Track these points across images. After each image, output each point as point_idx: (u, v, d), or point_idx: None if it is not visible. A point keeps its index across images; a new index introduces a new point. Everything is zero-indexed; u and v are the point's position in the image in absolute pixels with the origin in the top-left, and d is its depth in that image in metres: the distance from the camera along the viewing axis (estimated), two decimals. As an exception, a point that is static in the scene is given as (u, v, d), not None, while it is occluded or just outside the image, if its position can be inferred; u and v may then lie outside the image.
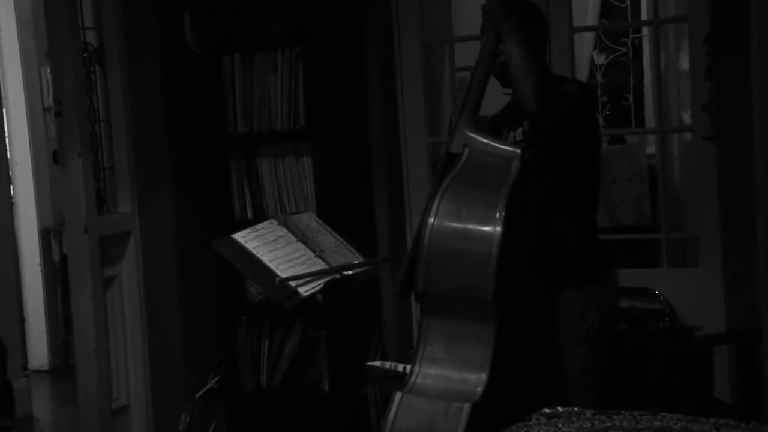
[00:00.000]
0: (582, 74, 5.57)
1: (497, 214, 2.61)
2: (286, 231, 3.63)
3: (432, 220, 2.65)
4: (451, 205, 2.67)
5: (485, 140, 2.81)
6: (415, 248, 2.78)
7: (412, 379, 2.68)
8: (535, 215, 2.87)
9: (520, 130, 3.09)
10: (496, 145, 2.81)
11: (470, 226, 2.64)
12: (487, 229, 2.61)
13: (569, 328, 3.02)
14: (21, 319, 5.95)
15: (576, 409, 2.25)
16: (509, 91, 3.18)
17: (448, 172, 2.77)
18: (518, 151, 2.75)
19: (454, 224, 2.65)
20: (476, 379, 2.62)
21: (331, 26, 4.19)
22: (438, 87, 4.97)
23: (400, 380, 2.76)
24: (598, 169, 3.16)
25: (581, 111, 3.10)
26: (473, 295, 2.62)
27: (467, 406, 2.58)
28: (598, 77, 6.35)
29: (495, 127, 3.23)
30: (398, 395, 2.66)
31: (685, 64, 4.84)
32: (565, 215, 3.02)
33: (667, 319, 3.87)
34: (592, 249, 3.13)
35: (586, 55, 5.85)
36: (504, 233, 2.59)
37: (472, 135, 2.80)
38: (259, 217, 4.08)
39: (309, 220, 3.79)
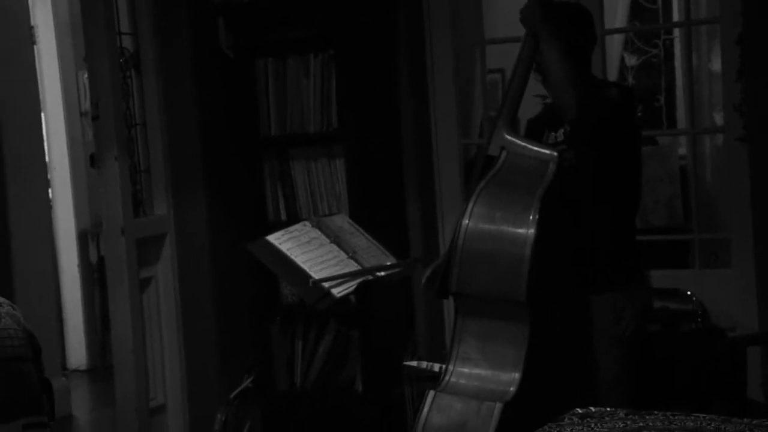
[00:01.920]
0: (612, 76, 5.57)
1: (531, 217, 2.63)
2: (319, 233, 3.66)
3: (466, 221, 2.68)
4: (485, 207, 2.69)
5: (523, 143, 2.83)
6: (451, 249, 2.81)
7: (446, 378, 2.71)
8: (571, 217, 2.88)
9: (561, 131, 3.10)
10: (534, 147, 2.82)
11: (504, 228, 2.66)
12: (520, 231, 2.63)
13: (604, 331, 3.02)
14: (59, 320, 6.02)
15: (609, 409, 2.26)
16: (544, 93, 3.19)
17: (485, 174, 2.79)
18: (555, 154, 2.76)
19: (487, 226, 2.68)
20: (509, 379, 2.64)
21: (363, 29, 4.22)
22: (469, 89, 5.00)
23: (436, 380, 2.79)
24: (639, 172, 3.16)
25: (621, 115, 3.10)
26: (506, 296, 2.65)
27: (499, 406, 2.60)
28: (629, 79, 6.33)
29: (534, 130, 3.23)
30: (431, 394, 2.69)
31: (717, 65, 4.82)
32: (602, 217, 3.02)
33: (699, 320, 3.86)
34: (628, 252, 3.13)
35: (615, 57, 5.85)
36: (538, 235, 2.61)
37: (509, 138, 2.82)
38: (293, 219, 4.12)
39: (342, 221, 3.83)
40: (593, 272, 3.00)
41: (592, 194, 2.99)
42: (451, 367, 2.72)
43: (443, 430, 2.65)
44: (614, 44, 5.81)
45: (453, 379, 2.70)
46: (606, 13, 4.29)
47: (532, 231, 2.62)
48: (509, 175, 2.76)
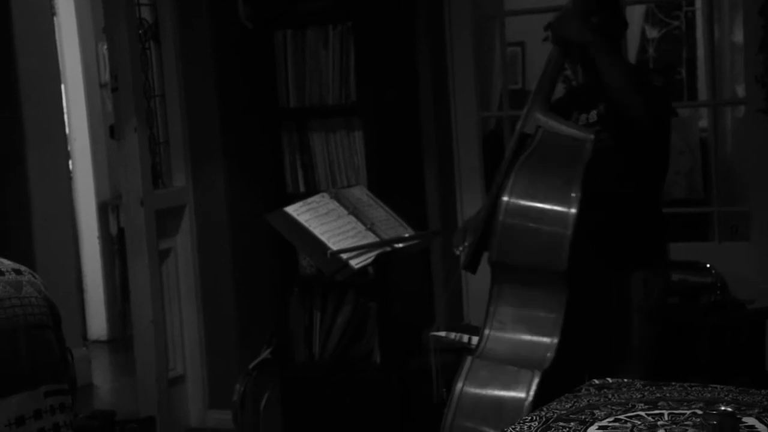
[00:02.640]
0: (632, 48, 5.53)
1: (573, 194, 2.64)
2: (338, 204, 3.66)
3: (506, 198, 2.68)
4: (525, 183, 2.70)
5: (559, 123, 2.82)
6: (485, 224, 2.81)
7: (482, 343, 2.71)
8: (602, 195, 2.87)
9: (594, 112, 3.07)
10: (570, 128, 2.82)
11: (545, 206, 2.67)
12: (562, 208, 2.64)
13: (633, 306, 3.02)
14: (80, 291, 6.07)
15: (625, 380, 2.26)
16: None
17: (521, 152, 2.79)
18: (591, 135, 2.76)
19: (529, 203, 2.68)
20: (547, 344, 2.65)
21: (382, 0, 4.21)
22: (488, 61, 4.97)
23: (464, 351, 2.80)
24: (668, 151, 3.15)
25: (669, 102, 3.12)
26: (546, 266, 2.66)
27: (537, 373, 2.61)
28: (650, 51, 6.28)
29: (559, 112, 3.21)
30: (468, 360, 2.70)
31: (739, 36, 4.78)
32: (632, 196, 3.02)
33: (718, 292, 3.86)
34: (657, 230, 3.13)
35: (636, 29, 5.80)
36: (580, 213, 2.62)
37: (545, 117, 2.82)
38: (311, 190, 4.12)
39: (360, 193, 3.83)
40: (624, 249, 2.99)
41: (623, 173, 2.98)
42: (487, 332, 2.72)
43: (481, 397, 2.65)
44: (635, 16, 5.77)
45: (490, 345, 2.70)
46: (627, -16, 4.26)
47: (574, 209, 2.63)
48: (547, 152, 2.77)
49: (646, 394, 2.12)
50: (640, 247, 3.04)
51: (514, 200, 2.68)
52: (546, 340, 2.66)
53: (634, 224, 3.01)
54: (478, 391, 2.67)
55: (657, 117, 2.91)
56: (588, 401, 2.09)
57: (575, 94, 3.28)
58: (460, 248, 3.06)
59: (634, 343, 3.00)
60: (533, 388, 2.60)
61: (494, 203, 2.78)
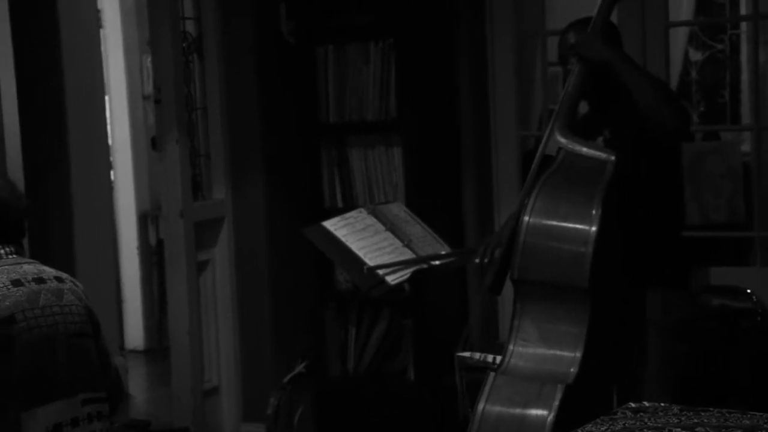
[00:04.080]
0: (675, 70, 5.50)
1: (593, 212, 2.65)
2: (375, 220, 3.67)
3: (527, 218, 2.70)
4: (546, 203, 2.71)
5: (580, 144, 2.84)
6: (508, 247, 2.82)
7: (507, 359, 2.71)
8: (622, 216, 2.88)
9: (600, 139, 3.10)
10: (591, 149, 2.83)
11: (566, 225, 2.68)
12: (583, 227, 2.66)
13: (651, 323, 3.02)
14: (118, 301, 6.11)
15: (662, 404, 2.24)
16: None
17: (542, 173, 2.80)
18: (612, 156, 2.77)
19: (549, 222, 2.70)
20: (570, 359, 2.65)
21: (423, 17, 4.22)
22: (529, 80, 4.96)
23: (487, 371, 2.79)
24: (681, 175, 3.16)
25: None
26: (568, 283, 2.66)
27: (560, 387, 2.60)
28: (693, 74, 6.24)
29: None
30: (491, 376, 2.70)
31: (784, 60, 4.74)
32: (653, 216, 3.02)
33: (758, 318, 3.81)
34: (679, 248, 3.12)
35: (679, 51, 5.76)
36: (600, 232, 2.62)
37: (566, 139, 2.84)
38: (349, 205, 4.13)
39: (398, 210, 3.83)
40: (645, 268, 3.01)
41: (642, 194, 2.99)
42: (511, 347, 2.72)
43: (503, 416, 2.65)
44: (678, 38, 5.73)
45: (513, 361, 2.71)
46: (671, 6, 4.23)
47: (594, 228, 2.64)
48: (568, 173, 2.79)
49: (683, 419, 2.10)
50: (659, 267, 3.04)
51: (534, 220, 2.70)
52: (569, 354, 2.66)
53: (652, 244, 3.01)
54: (500, 409, 2.66)
55: (684, 129, 2.92)
56: (624, 424, 2.07)
57: (578, 125, 3.29)
58: (481, 260, 3.08)
59: (653, 361, 2.99)
60: (556, 403, 2.59)
61: (516, 224, 2.80)
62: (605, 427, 2.06)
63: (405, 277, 3.50)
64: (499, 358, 2.77)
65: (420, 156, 4.18)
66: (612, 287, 2.81)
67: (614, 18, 3.87)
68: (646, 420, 2.10)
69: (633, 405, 2.22)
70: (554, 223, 2.70)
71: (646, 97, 2.87)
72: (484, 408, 2.66)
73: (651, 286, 3.03)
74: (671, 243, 3.10)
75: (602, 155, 2.80)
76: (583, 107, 3.24)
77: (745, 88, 5.91)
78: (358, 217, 3.68)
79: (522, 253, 2.71)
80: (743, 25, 5.97)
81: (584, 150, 2.82)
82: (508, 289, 3.06)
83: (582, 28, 3.02)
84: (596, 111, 3.16)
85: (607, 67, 2.92)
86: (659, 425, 2.06)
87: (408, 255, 3.56)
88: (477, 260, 3.12)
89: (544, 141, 2.90)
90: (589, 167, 2.78)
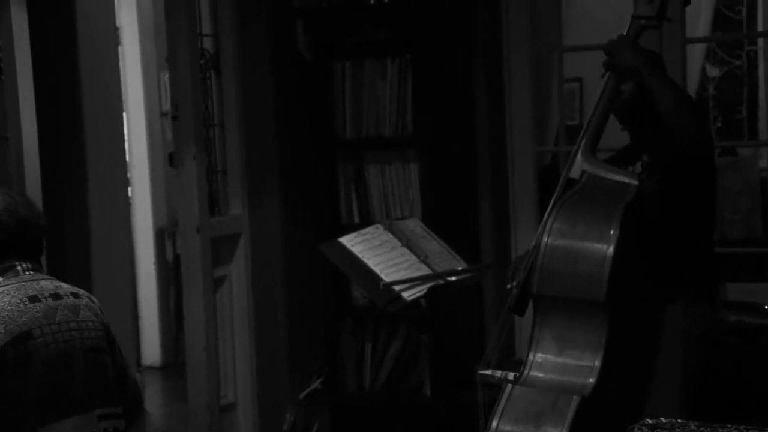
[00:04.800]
0: (692, 86, 5.48)
1: (611, 232, 2.66)
2: (391, 236, 3.67)
3: (546, 239, 2.72)
4: (564, 223, 2.74)
5: (602, 168, 2.85)
6: (530, 269, 2.85)
7: (526, 370, 2.72)
8: (650, 235, 2.88)
9: (639, 164, 3.11)
10: (615, 173, 2.85)
11: (583, 244, 2.69)
12: (600, 246, 2.66)
13: (675, 338, 3.01)
14: (135, 317, 6.13)
15: (679, 420, 2.23)
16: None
17: (565, 194, 2.82)
18: (636, 181, 2.79)
19: (567, 242, 2.71)
20: (588, 369, 2.64)
21: (440, 34, 4.23)
22: (546, 96, 4.96)
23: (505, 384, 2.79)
24: (716, 191, 3.15)
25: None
26: (586, 298, 2.67)
27: (576, 399, 2.59)
28: (710, 90, 6.23)
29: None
30: (508, 388, 2.70)
31: (801, 75, 4.72)
32: (688, 233, 3.03)
33: (776, 334, 3.78)
34: (709, 264, 3.12)
35: (696, 67, 5.76)
36: (617, 251, 2.63)
37: (589, 163, 2.86)
38: (365, 221, 4.14)
39: (414, 225, 3.83)
40: (672, 284, 3.00)
41: (674, 214, 2.99)
42: (530, 358, 2.73)
43: (518, 426, 2.64)
44: (695, 54, 5.72)
45: (533, 372, 2.71)
46: (688, 23, 4.23)
47: (611, 249, 2.65)
48: (589, 194, 2.82)
49: (700, 435, 2.09)
50: (690, 282, 3.05)
51: (552, 241, 2.73)
52: (588, 364, 2.66)
53: (682, 260, 3.02)
54: (512, 428, 2.66)
55: (703, 143, 2.92)
56: (641, 441, 2.06)
57: (618, 154, 3.30)
58: (512, 283, 3.09)
59: (674, 375, 2.99)
60: (570, 416, 2.58)
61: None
62: (622, 444, 2.05)
63: (421, 292, 3.50)
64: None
65: (436, 172, 4.18)
66: (635, 300, 2.81)
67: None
68: (663, 436, 2.09)
69: (650, 421, 2.21)
70: (571, 243, 2.71)
71: (667, 105, 2.90)
72: (498, 425, 2.66)
73: (677, 299, 3.02)
74: (702, 257, 3.10)
75: (625, 179, 2.82)
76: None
77: (762, 104, 5.90)
78: (375, 233, 3.69)
79: (540, 272, 2.73)
80: (760, 42, 5.96)
81: (607, 174, 2.84)
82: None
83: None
84: (636, 139, 3.17)
85: (635, 75, 2.93)
86: (676, 441, 2.05)
87: (424, 271, 3.56)
88: (508, 286, 3.14)
89: (568, 164, 2.92)
90: (611, 189, 2.80)
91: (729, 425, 2.14)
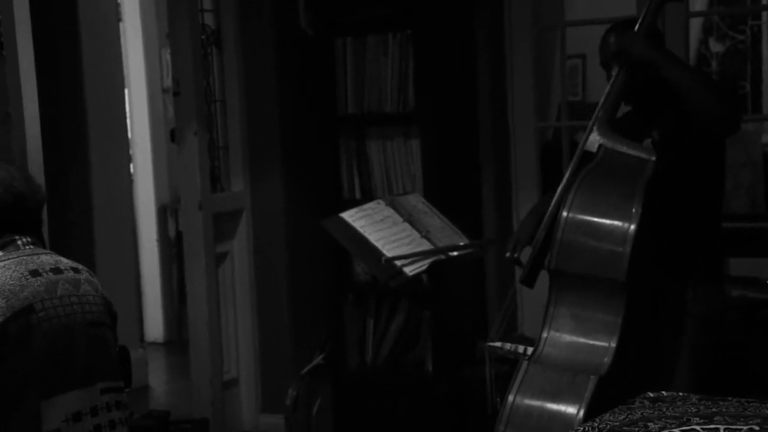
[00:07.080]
0: (690, 62, 5.46)
1: (633, 210, 2.65)
2: (393, 211, 3.67)
3: (566, 213, 2.70)
4: (585, 199, 2.72)
5: (620, 143, 2.83)
6: (544, 239, 2.84)
7: (540, 347, 2.71)
8: (665, 211, 2.87)
9: (648, 141, 3.08)
10: (632, 148, 2.83)
11: (605, 221, 2.68)
12: (622, 224, 2.65)
13: (686, 315, 3.00)
14: (138, 293, 6.15)
15: (681, 393, 2.23)
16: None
17: (581, 169, 2.80)
18: (653, 156, 2.76)
19: (588, 218, 2.70)
20: (605, 349, 2.64)
21: (442, 9, 4.21)
22: (548, 72, 4.94)
23: (518, 361, 2.79)
24: (724, 168, 3.13)
25: None
26: (606, 276, 2.66)
27: (593, 378, 2.59)
28: (714, 65, 6.20)
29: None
30: (525, 364, 2.70)
31: (805, 50, 4.69)
32: (697, 210, 3.01)
33: (778, 309, 3.78)
34: (717, 241, 3.10)
35: (694, 42, 5.73)
36: (638, 230, 2.62)
37: (607, 137, 2.84)
38: (367, 197, 4.13)
39: (416, 201, 3.83)
40: (682, 262, 2.99)
41: (683, 191, 2.98)
42: (545, 335, 2.72)
43: (533, 409, 2.64)
44: (693, 29, 5.69)
45: (547, 349, 2.71)
46: (690, -4, 4.20)
47: (634, 226, 2.64)
48: (608, 170, 2.80)
49: (701, 408, 2.09)
50: (699, 259, 3.03)
51: (573, 215, 2.70)
52: (604, 344, 2.65)
53: (694, 238, 3.00)
54: (530, 402, 2.66)
55: (739, 121, 2.89)
56: (642, 414, 2.07)
57: (625, 122, 3.27)
58: (511, 254, 3.09)
59: (685, 352, 2.98)
60: (588, 395, 2.58)
61: (554, 219, 2.79)
62: (623, 417, 2.06)
63: (423, 268, 3.50)
64: (530, 350, 2.77)
65: (438, 147, 4.18)
66: (649, 280, 2.80)
67: (633, 9, 3.86)
68: (664, 409, 2.10)
69: (651, 394, 2.21)
70: (593, 219, 2.70)
71: (696, 95, 2.81)
72: (514, 401, 2.66)
73: (687, 278, 3.01)
74: (711, 236, 3.08)
75: (643, 154, 2.79)
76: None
77: (766, 79, 5.88)
78: (376, 208, 3.68)
79: (560, 247, 2.71)
80: (764, 16, 5.93)
81: (625, 148, 2.82)
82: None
83: (622, 31, 2.98)
84: (641, 113, 3.12)
85: (652, 67, 2.88)
86: (677, 414, 2.05)
87: (426, 246, 3.56)
88: (507, 255, 3.13)
89: (584, 137, 2.90)
90: (630, 165, 2.77)
91: (730, 398, 2.15)
